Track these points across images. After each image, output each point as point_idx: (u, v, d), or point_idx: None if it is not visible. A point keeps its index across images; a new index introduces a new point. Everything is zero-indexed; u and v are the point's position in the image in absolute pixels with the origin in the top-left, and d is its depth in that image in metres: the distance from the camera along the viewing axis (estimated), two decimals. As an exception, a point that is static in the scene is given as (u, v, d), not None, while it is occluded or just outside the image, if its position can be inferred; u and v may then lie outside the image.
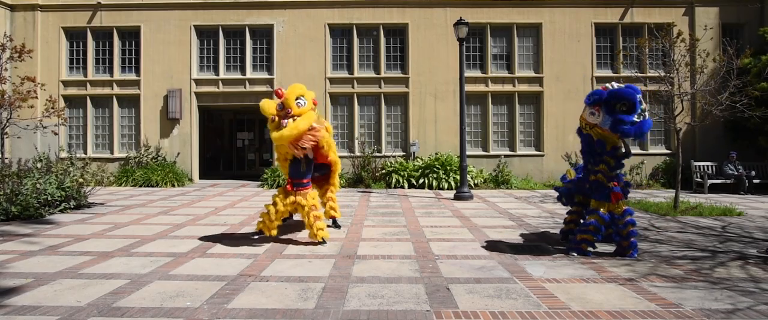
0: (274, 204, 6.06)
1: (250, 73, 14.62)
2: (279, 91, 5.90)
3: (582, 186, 5.89)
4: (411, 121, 14.43)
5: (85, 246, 6.05)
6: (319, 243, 6.04)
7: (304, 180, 6.07)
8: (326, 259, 5.37)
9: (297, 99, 5.69)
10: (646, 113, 5.17)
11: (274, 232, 6.13)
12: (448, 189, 12.82)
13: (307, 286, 4.38)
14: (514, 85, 14.54)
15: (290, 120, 5.61)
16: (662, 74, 9.69)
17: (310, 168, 6.20)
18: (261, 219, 6.18)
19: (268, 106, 5.76)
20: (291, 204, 6.06)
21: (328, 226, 7.12)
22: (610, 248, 5.92)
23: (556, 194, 6.69)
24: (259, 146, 18.28)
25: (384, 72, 14.60)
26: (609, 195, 5.38)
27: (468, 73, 14.08)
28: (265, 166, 15.48)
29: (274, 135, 5.64)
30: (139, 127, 14.57)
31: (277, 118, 5.68)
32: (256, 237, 6.39)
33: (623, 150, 5.48)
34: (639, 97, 5.12)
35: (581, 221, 6.00)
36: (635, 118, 5.08)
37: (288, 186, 6.09)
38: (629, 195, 11.31)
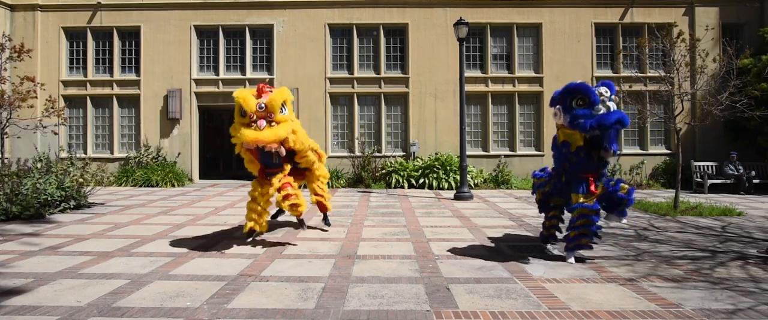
0: (254, 200, 5.85)
1: (250, 73, 14.62)
2: (263, 87, 5.49)
3: (557, 185, 5.56)
4: (411, 121, 14.43)
5: (85, 246, 6.05)
6: (298, 224, 5.83)
7: (276, 169, 5.79)
8: (326, 259, 5.37)
9: (282, 105, 5.39)
10: (610, 105, 4.85)
11: (265, 226, 5.95)
12: (448, 189, 12.82)
13: (307, 286, 4.38)
14: (514, 85, 14.54)
15: (268, 124, 5.31)
16: (662, 74, 9.69)
17: (283, 159, 5.85)
18: (250, 219, 5.91)
19: (249, 101, 5.27)
20: (269, 193, 5.82)
21: (318, 228, 7.10)
22: (609, 248, 5.92)
23: (533, 193, 6.26)
24: (259, 146, 18.26)
25: (384, 72, 14.60)
26: (587, 185, 5.11)
27: (468, 73, 14.08)
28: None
29: (249, 135, 5.19)
30: (139, 127, 14.56)
31: (255, 116, 5.28)
32: (248, 240, 6.21)
33: (605, 151, 5.06)
34: (600, 90, 4.89)
35: (562, 221, 5.82)
36: (593, 112, 4.83)
37: (261, 176, 5.89)
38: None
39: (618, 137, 5.00)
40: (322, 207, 7.02)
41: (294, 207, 5.70)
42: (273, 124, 5.34)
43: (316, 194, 6.82)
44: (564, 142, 5.19)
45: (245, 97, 5.33)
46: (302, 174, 6.62)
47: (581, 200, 5.09)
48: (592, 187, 5.12)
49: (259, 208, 5.87)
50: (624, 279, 4.59)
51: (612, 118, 4.74)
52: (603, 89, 4.95)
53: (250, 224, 5.90)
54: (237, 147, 5.69)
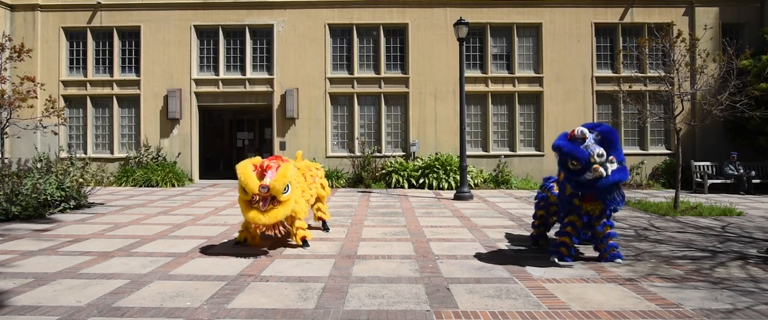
0: None
1: (250, 73, 14.62)
2: (267, 164, 5.39)
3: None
4: (411, 121, 14.43)
5: (85, 246, 6.05)
6: (301, 245, 5.87)
7: None
8: (326, 259, 5.37)
9: (285, 188, 5.28)
10: (605, 168, 4.61)
11: (258, 240, 5.97)
12: (448, 189, 12.82)
13: (307, 286, 4.38)
14: (514, 85, 14.54)
15: (272, 203, 5.24)
16: (662, 74, 9.70)
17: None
18: (243, 229, 5.94)
19: (251, 182, 5.17)
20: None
21: (318, 228, 7.11)
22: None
23: (536, 199, 6.41)
24: (259, 146, 18.26)
25: (384, 72, 14.60)
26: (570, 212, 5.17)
27: (468, 73, 14.08)
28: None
29: (251, 216, 5.18)
30: (139, 127, 14.56)
31: (258, 197, 5.19)
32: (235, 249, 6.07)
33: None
34: (597, 151, 4.61)
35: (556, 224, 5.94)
36: (588, 176, 4.65)
37: None
38: (629, 195, 11.37)
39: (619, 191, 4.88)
40: (320, 218, 7.15)
41: (301, 230, 5.84)
42: (276, 203, 5.27)
43: (320, 218, 7.05)
44: (562, 183, 5.14)
45: (247, 176, 5.22)
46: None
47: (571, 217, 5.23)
48: (588, 195, 5.06)
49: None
50: (624, 279, 4.59)
51: (600, 188, 4.63)
52: (594, 148, 4.65)
53: (244, 235, 5.95)
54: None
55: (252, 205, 5.26)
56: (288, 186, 5.35)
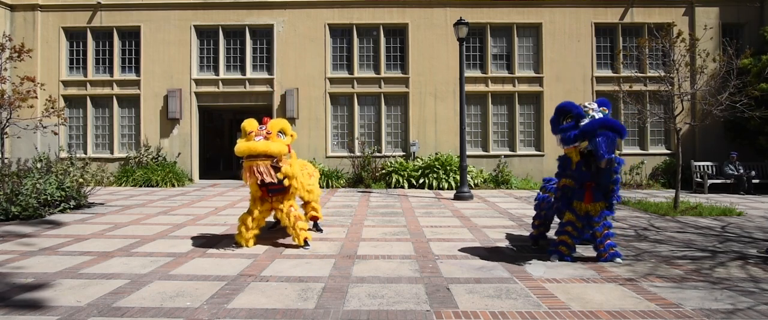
0: (250, 212, 5.91)
1: (250, 73, 14.62)
2: (267, 119, 5.98)
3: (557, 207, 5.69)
4: (411, 121, 14.43)
5: (85, 246, 6.05)
6: (303, 246, 5.86)
7: (278, 186, 5.84)
8: (326, 259, 5.37)
9: (280, 131, 5.81)
10: (596, 115, 4.88)
11: (251, 243, 5.94)
12: (448, 189, 12.82)
13: (307, 286, 4.38)
14: (514, 85, 14.54)
15: (263, 139, 5.61)
16: (662, 74, 9.70)
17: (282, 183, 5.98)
18: (238, 232, 5.95)
19: (254, 123, 5.87)
20: (268, 211, 5.97)
21: (309, 229, 7.09)
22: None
23: (536, 199, 6.47)
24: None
25: (384, 72, 14.60)
26: (583, 194, 5.14)
27: (468, 73, 14.08)
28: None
29: (242, 145, 5.52)
30: (139, 127, 14.56)
31: (252, 134, 5.67)
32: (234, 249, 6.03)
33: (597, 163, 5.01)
34: (590, 106, 4.97)
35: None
36: (581, 123, 4.89)
37: (262, 193, 5.94)
38: (629, 195, 11.37)
39: (613, 144, 4.85)
40: (313, 218, 7.10)
41: (303, 231, 5.91)
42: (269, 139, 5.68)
43: (312, 216, 7.01)
44: (567, 159, 5.23)
45: (250, 121, 5.88)
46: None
47: (570, 215, 5.25)
48: (587, 195, 5.11)
49: (250, 224, 5.90)
50: (624, 279, 4.60)
51: (593, 124, 4.76)
52: (588, 103, 5.10)
53: (238, 239, 5.97)
54: (244, 176, 5.74)
55: (247, 141, 5.67)
56: (282, 132, 5.84)
